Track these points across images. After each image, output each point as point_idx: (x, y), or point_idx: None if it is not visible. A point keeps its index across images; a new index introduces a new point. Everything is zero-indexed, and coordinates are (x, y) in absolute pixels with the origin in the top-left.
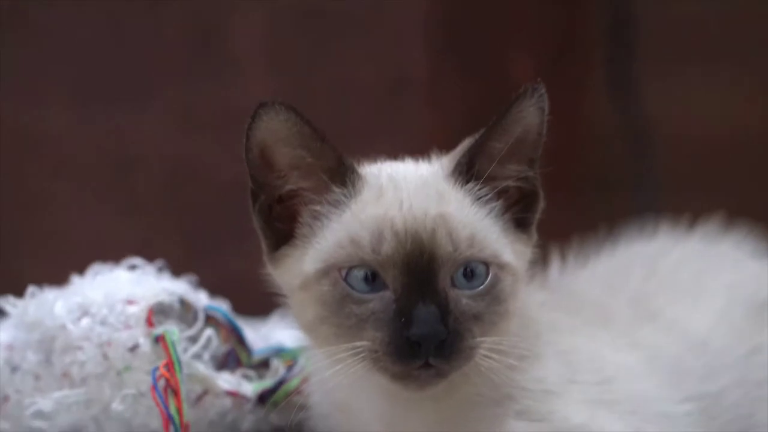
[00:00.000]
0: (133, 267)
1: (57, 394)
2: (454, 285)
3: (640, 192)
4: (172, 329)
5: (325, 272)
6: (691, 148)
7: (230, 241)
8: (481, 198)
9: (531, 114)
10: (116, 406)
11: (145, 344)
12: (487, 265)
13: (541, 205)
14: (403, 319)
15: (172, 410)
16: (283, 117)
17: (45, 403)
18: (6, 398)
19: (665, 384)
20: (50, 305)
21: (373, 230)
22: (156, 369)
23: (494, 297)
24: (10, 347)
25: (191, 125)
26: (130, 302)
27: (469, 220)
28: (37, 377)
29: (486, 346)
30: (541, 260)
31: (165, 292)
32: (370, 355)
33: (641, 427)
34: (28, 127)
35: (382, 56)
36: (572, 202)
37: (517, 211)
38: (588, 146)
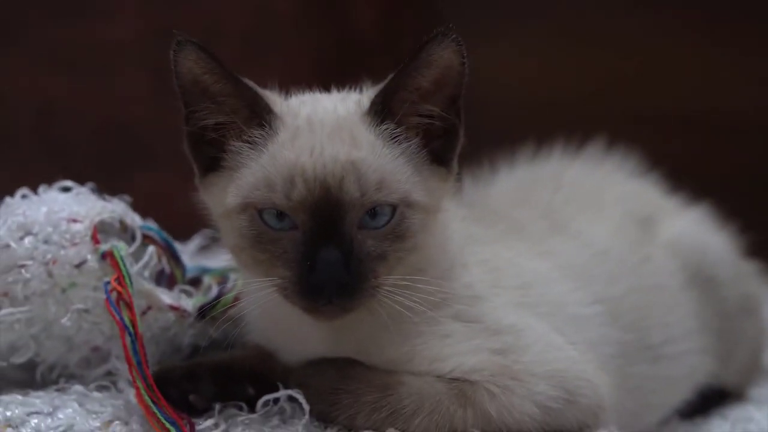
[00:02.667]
0: (66, 189)
1: (2, 312)
2: (361, 226)
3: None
4: (119, 245)
5: (243, 208)
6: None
7: (100, 177)
8: (395, 137)
9: (444, 57)
10: (65, 321)
11: (92, 260)
12: (393, 206)
13: (461, 141)
14: (308, 263)
15: (127, 322)
16: (203, 54)
17: None
18: None
19: (575, 289)
20: None
21: (285, 176)
22: (108, 283)
23: (399, 235)
24: None
25: (60, 62)
26: (73, 220)
27: (380, 163)
28: None
29: (389, 284)
30: None
31: (106, 211)
32: (281, 290)
33: (560, 326)
34: None
35: None
36: None
37: (438, 147)
38: None
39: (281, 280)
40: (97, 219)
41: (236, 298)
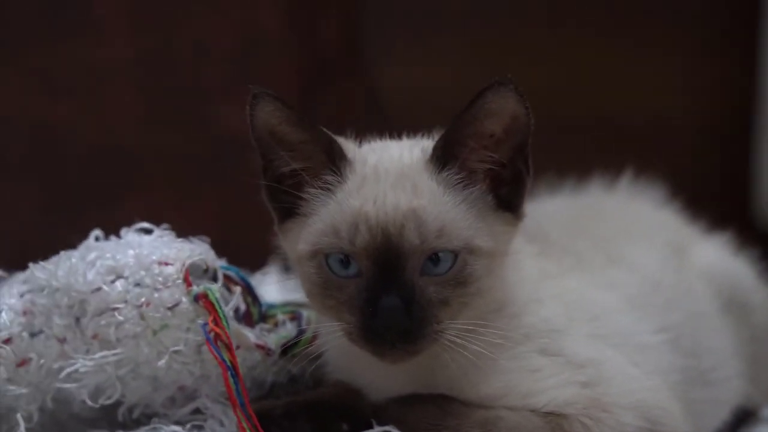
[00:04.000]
0: (145, 231)
1: (97, 355)
2: (423, 273)
3: None
4: (212, 287)
5: (313, 255)
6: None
7: (91, 202)
8: (458, 184)
9: (505, 105)
10: (161, 364)
11: (185, 302)
12: (455, 252)
13: (528, 187)
14: (370, 309)
15: (228, 362)
16: (278, 105)
17: (85, 364)
18: (23, 362)
19: (640, 318)
20: (81, 270)
21: (350, 223)
22: (205, 324)
23: (461, 281)
24: (29, 312)
25: (52, 87)
26: (164, 263)
27: (440, 211)
28: (61, 341)
29: (453, 329)
30: None
31: (195, 253)
32: (348, 335)
33: (632, 356)
34: None
35: (237, 15)
36: None
37: (505, 193)
38: None
39: (347, 325)
40: (188, 262)
41: (314, 336)
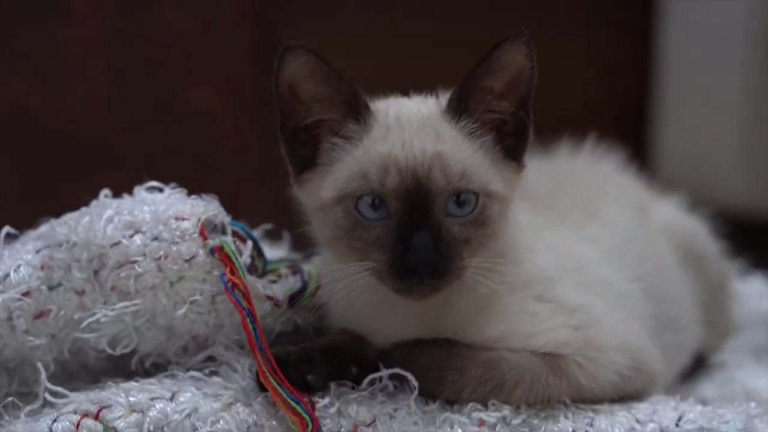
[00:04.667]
0: (155, 188)
1: (118, 306)
2: (448, 213)
3: None
4: (227, 239)
5: (339, 200)
6: None
7: (62, 182)
8: (473, 133)
9: (517, 60)
10: (180, 314)
11: (201, 255)
12: (476, 194)
13: (531, 137)
14: (402, 246)
15: (247, 310)
16: (305, 58)
17: (106, 314)
18: (41, 314)
19: (617, 269)
20: (99, 225)
21: (380, 166)
22: (224, 275)
23: (482, 222)
24: (47, 267)
25: (22, 68)
26: (180, 218)
27: (461, 155)
28: (80, 293)
29: (473, 266)
30: None
31: (209, 209)
32: (376, 273)
33: (614, 303)
34: None
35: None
36: None
37: (510, 144)
38: None
39: (376, 264)
40: (203, 216)
41: (317, 288)
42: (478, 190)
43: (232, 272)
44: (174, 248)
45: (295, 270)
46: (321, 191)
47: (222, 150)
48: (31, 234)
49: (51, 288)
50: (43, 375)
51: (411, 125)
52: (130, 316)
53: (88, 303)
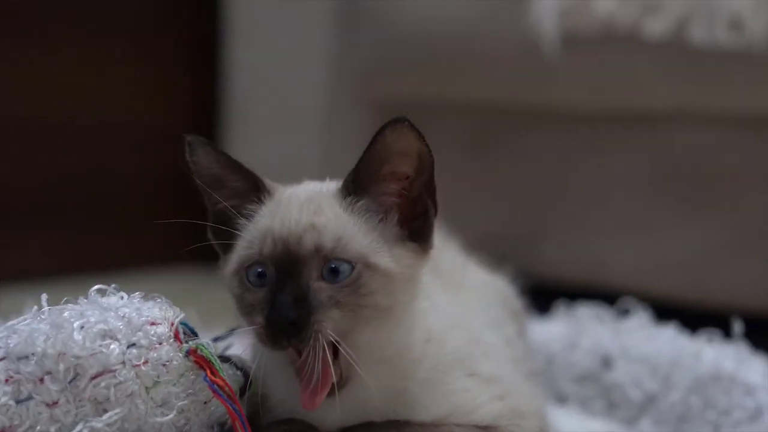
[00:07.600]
0: (101, 290)
1: (105, 416)
2: (322, 279)
3: None
4: (201, 342)
5: (236, 272)
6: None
7: None
8: (368, 212)
9: (399, 142)
10: (159, 418)
11: (176, 359)
12: (351, 263)
13: (432, 220)
14: (270, 306)
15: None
16: (209, 148)
17: (96, 426)
18: (5, 430)
19: (497, 334)
20: (72, 335)
21: (261, 237)
22: (206, 376)
23: (356, 290)
24: (11, 381)
25: None
26: (153, 323)
27: (340, 228)
28: (50, 405)
29: (332, 325)
30: None
31: (177, 312)
32: (258, 336)
33: (512, 368)
34: None
35: None
36: None
37: (416, 225)
38: None
39: (257, 326)
40: (176, 320)
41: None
42: (353, 259)
43: (213, 374)
44: (153, 354)
45: (225, 358)
46: (226, 268)
47: None
48: None
49: (19, 402)
50: None
51: (298, 201)
52: (111, 427)
53: (59, 414)
